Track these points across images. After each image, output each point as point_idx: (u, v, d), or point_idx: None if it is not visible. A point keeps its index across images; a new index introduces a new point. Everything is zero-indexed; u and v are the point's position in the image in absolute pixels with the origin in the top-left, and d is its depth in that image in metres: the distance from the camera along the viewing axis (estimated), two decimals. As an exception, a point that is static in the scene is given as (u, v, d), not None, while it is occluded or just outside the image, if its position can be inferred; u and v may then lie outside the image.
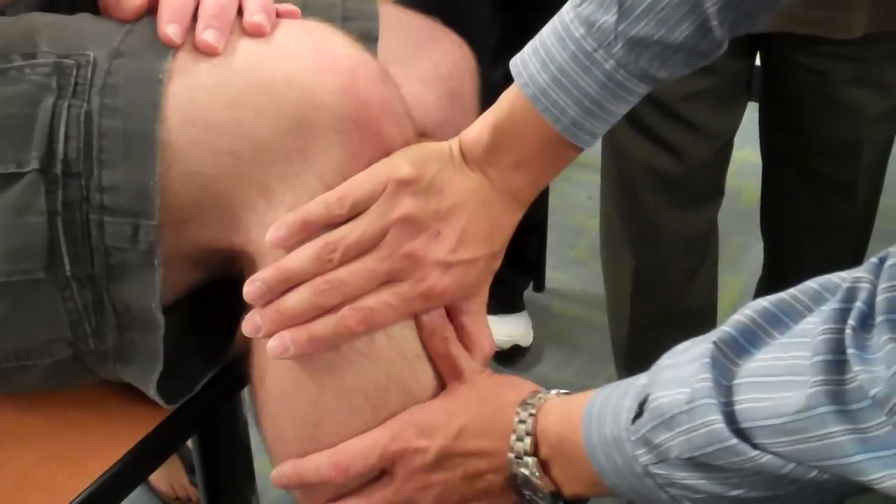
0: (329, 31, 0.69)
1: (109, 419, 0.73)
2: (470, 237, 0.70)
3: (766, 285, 1.55)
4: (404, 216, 0.67)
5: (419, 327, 0.69)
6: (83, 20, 0.70)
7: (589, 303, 2.11)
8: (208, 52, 0.65)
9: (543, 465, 0.67)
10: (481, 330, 0.73)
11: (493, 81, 1.03)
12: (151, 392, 0.69)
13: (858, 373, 0.51)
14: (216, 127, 0.64)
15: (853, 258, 1.40)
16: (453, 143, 0.72)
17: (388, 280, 0.67)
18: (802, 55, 1.25)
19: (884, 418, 0.50)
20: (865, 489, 0.54)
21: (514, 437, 0.67)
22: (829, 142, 1.32)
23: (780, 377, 0.55)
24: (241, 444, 0.98)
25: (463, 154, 0.71)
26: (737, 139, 1.40)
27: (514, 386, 0.71)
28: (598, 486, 0.65)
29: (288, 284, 0.66)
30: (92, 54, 0.66)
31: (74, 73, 0.65)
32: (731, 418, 0.56)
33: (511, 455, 0.67)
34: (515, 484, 0.68)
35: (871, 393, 0.50)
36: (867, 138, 1.30)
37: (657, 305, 1.47)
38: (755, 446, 0.55)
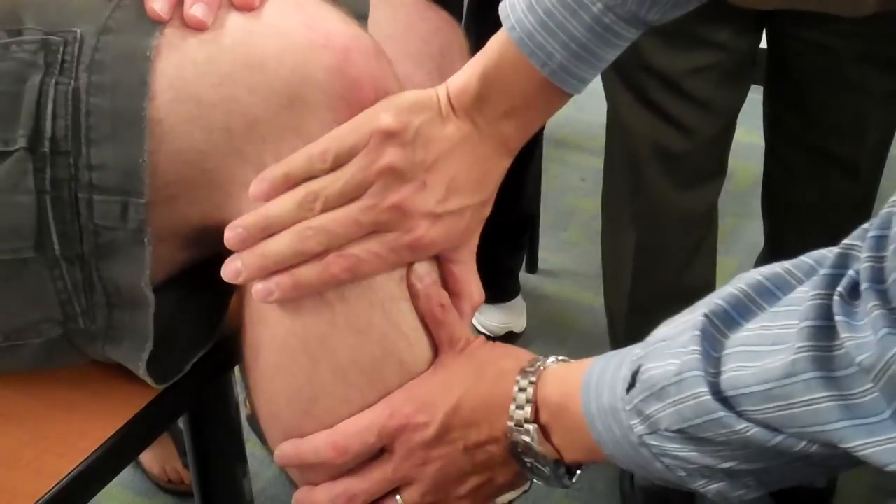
0: (321, 6, 0.68)
1: (99, 399, 0.72)
2: (458, 187, 0.69)
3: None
4: (389, 167, 0.66)
5: (413, 295, 0.69)
6: None
7: (581, 284, 2.11)
8: (197, 28, 0.65)
9: (544, 432, 0.66)
10: (470, 279, 0.73)
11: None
12: (141, 371, 0.69)
13: (846, 339, 0.50)
14: (207, 104, 0.64)
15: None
16: (440, 91, 0.70)
17: (375, 231, 0.67)
18: (810, 32, 1.24)
19: (870, 385, 0.49)
20: (855, 464, 0.54)
21: (513, 406, 0.67)
22: (834, 119, 1.31)
23: (768, 346, 0.54)
24: (233, 425, 0.97)
25: (451, 102, 0.70)
26: (733, 119, 1.40)
27: (511, 354, 0.71)
28: (596, 454, 0.64)
29: (269, 231, 0.66)
30: (79, 31, 0.65)
31: (61, 50, 0.64)
32: (717, 388, 0.56)
33: (511, 423, 0.67)
34: (516, 452, 0.68)
35: (858, 360, 0.49)
36: (872, 116, 1.30)
37: (657, 282, 1.47)
38: (741, 415, 0.55)
